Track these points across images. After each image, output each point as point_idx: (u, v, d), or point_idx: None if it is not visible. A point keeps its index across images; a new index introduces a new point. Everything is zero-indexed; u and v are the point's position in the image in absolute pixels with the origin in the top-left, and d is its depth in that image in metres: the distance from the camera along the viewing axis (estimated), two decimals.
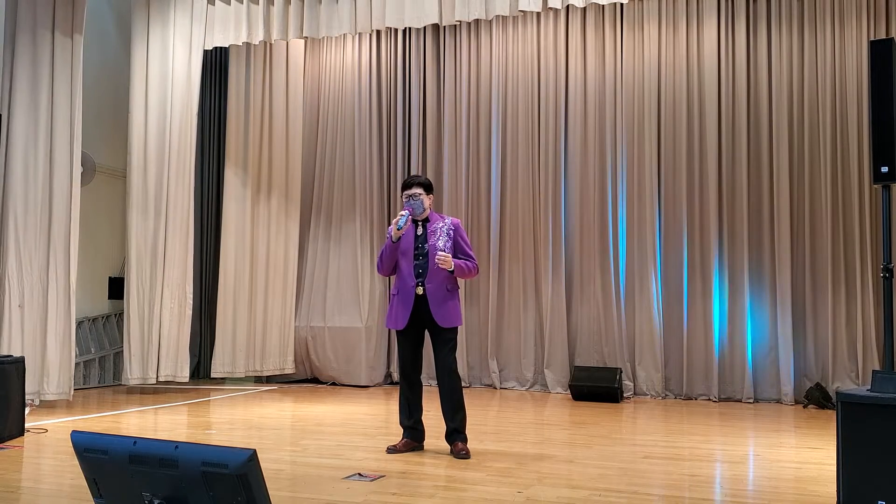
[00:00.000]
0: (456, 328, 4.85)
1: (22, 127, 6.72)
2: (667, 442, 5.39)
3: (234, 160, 8.55)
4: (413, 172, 8.74)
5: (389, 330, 8.70)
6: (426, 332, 4.91)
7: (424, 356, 5.02)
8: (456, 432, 4.79)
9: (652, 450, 5.07)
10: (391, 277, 5.10)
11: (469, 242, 5.01)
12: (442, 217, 4.99)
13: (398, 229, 4.77)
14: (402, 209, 4.87)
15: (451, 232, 4.89)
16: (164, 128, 7.79)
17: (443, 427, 4.86)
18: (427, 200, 4.90)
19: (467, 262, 4.87)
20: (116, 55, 8.51)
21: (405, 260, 4.85)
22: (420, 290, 4.77)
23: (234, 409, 6.89)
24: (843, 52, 7.45)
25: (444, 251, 4.82)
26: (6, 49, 6.82)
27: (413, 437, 4.93)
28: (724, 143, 7.78)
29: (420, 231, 4.89)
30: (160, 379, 7.65)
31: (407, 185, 4.92)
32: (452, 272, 4.79)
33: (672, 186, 7.92)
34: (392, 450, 4.86)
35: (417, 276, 4.79)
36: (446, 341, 4.79)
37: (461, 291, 7.66)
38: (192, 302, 7.87)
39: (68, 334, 6.72)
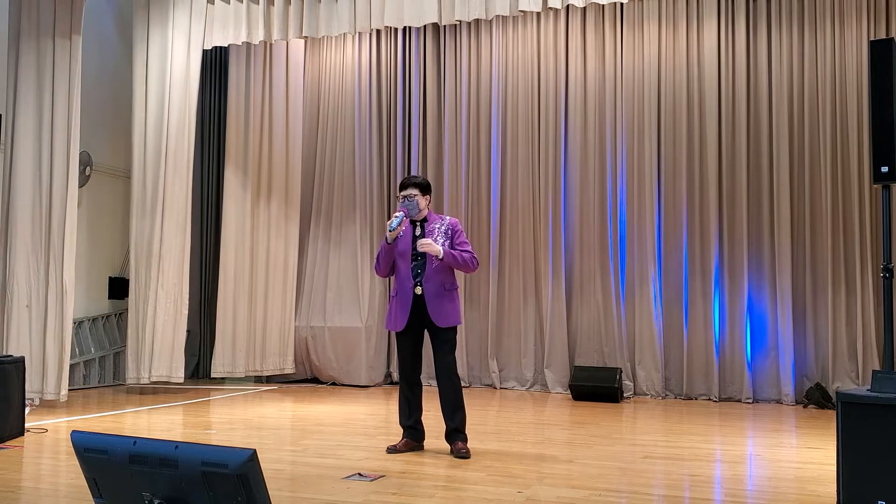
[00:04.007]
0: (455, 328, 4.84)
1: (25, 128, 6.82)
2: (667, 442, 5.39)
3: (234, 160, 8.54)
4: (413, 173, 8.74)
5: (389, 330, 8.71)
6: (425, 333, 4.91)
7: (424, 356, 5.02)
8: (456, 432, 4.79)
9: (652, 450, 5.07)
10: (391, 279, 5.09)
11: (467, 241, 4.96)
12: (440, 217, 4.97)
13: (391, 230, 4.77)
14: (398, 210, 4.86)
15: (448, 231, 4.88)
16: (163, 129, 7.79)
17: (443, 427, 4.86)
18: (423, 201, 4.88)
19: (462, 253, 4.81)
20: (117, 55, 8.51)
21: (403, 261, 4.84)
22: (419, 291, 4.77)
23: (234, 409, 6.88)
24: (843, 52, 7.45)
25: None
26: (10, 52, 6.95)
27: (413, 437, 4.93)
28: (724, 143, 7.78)
29: (418, 232, 4.88)
30: (155, 379, 7.61)
31: (402, 186, 4.91)
32: (442, 259, 4.73)
33: (672, 186, 7.92)
34: (392, 450, 4.86)
35: (415, 276, 4.78)
36: (445, 341, 4.79)
37: (461, 291, 7.66)
38: (188, 302, 7.84)
39: (61, 334, 6.70)
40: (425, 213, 4.91)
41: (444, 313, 4.76)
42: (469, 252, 4.86)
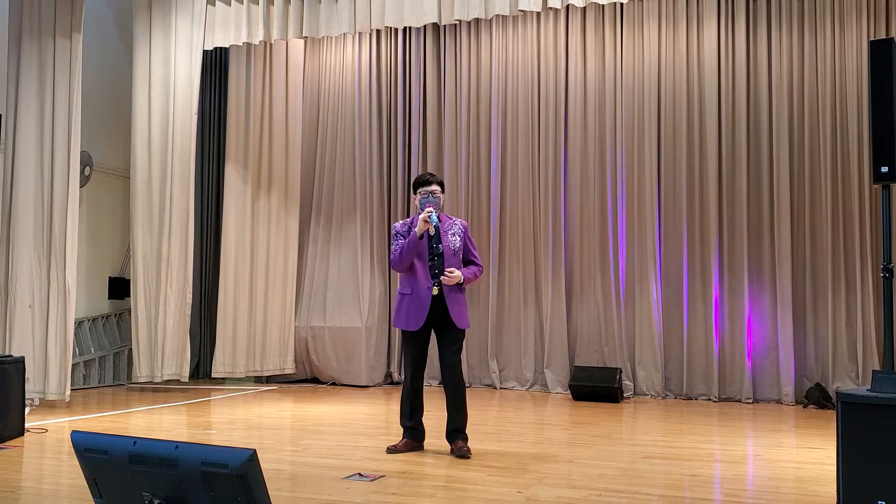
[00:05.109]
0: (465, 329, 4.88)
1: (27, 128, 6.85)
2: (667, 442, 5.39)
3: (234, 160, 8.54)
4: (413, 172, 8.74)
5: (390, 330, 8.71)
6: (432, 333, 4.92)
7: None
8: (457, 431, 4.80)
9: (652, 450, 5.07)
10: (399, 277, 5.10)
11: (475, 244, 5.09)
12: (450, 218, 5.00)
13: (435, 224, 4.76)
14: (427, 206, 4.78)
15: (461, 234, 4.92)
16: (165, 129, 7.81)
17: (442, 427, 4.86)
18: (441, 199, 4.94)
19: (473, 270, 4.92)
20: (118, 55, 8.51)
21: (420, 261, 4.82)
22: (436, 291, 4.77)
23: (234, 409, 6.89)
24: (843, 52, 7.45)
25: (458, 253, 4.87)
26: (11, 51, 6.98)
27: (413, 437, 4.93)
28: (724, 143, 7.78)
29: (433, 231, 4.87)
30: (167, 378, 7.71)
31: (427, 182, 4.88)
32: (461, 284, 4.82)
33: (672, 187, 7.92)
34: (392, 450, 4.86)
35: (433, 276, 4.79)
36: (455, 341, 4.82)
37: None
38: (190, 302, 7.86)
39: (64, 334, 6.74)
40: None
41: (462, 314, 4.83)
42: (477, 263, 4.99)
